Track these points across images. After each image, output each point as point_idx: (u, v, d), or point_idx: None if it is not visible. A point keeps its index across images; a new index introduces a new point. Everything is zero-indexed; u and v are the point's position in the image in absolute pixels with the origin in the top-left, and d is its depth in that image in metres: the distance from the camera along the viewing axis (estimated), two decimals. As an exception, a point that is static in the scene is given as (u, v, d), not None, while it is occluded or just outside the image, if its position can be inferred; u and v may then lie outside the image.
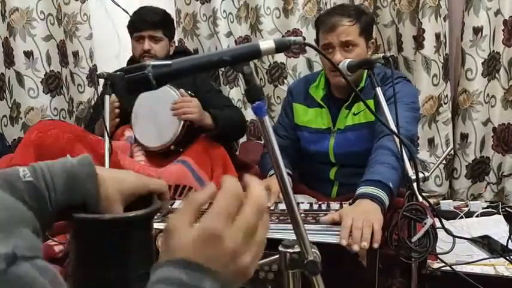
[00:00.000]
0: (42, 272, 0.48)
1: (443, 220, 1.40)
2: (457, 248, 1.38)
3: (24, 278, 0.46)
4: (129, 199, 0.76)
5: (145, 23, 2.14)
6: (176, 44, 2.38)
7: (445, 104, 2.26)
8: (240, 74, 0.80)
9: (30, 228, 0.54)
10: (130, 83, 0.77)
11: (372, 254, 1.27)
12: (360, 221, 1.23)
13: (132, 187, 0.75)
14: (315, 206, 1.51)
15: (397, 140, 1.37)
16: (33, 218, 0.58)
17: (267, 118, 0.81)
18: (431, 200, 2.18)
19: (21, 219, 0.52)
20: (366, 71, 1.73)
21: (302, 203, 1.55)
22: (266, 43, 0.81)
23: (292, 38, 0.82)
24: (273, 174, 1.73)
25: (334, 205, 1.50)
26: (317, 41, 1.83)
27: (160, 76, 0.77)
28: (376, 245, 1.23)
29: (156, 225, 1.35)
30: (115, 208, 0.73)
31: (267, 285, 1.28)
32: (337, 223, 1.29)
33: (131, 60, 2.29)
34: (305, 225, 0.87)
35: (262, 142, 2.38)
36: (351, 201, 1.42)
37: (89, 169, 0.71)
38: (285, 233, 1.26)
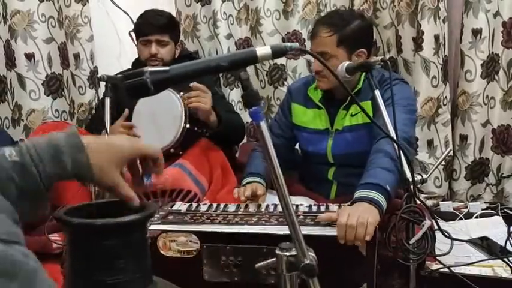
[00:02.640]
0: (23, 255, 0.48)
1: (440, 222, 1.41)
2: (455, 249, 1.39)
3: (2, 257, 0.46)
4: (124, 164, 0.74)
5: (152, 27, 2.15)
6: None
7: (445, 105, 2.26)
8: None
9: (9, 216, 0.53)
10: (129, 88, 0.78)
11: (370, 254, 1.28)
12: (354, 218, 1.25)
13: (126, 152, 0.74)
14: (314, 208, 1.52)
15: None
16: (10, 207, 0.57)
17: (263, 123, 0.82)
18: (431, 201, 2.20)
19: None
20: (364, 73, 1.75)
21: (301, 205, 1.56)
22: (263, 49, 0.83)
23: (289, 44, 0.83)
24: (247, 183, 1.76)
25: (333, 207, 1.51)
26: None
27: (158, 82, 0.78)
28: (368, 238, 1.25)
29: (156, 227, 1.38)
30: (111, 177, 0.72)
31: (269, 281, 1.29)
32: (334, 222, 1.31)
33: (137, 62, 2.30)
34: (303, 226, 0.88)
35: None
36: (349, 203, 1.43)
37: (73, 140, 0.69)
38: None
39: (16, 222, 0.54)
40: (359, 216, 1.25)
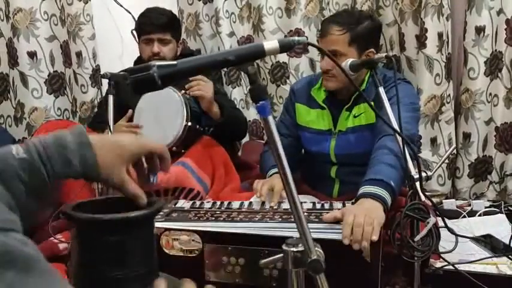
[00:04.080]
0: (21, 243, 0.48)
1: (445, 219, 1.40)
2: (459, 247, 1.38)
3: None
4: (130, 162, 0.75)
5: (154, 26, 2.14)
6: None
7: (448, 103, 2.26)
8: (244, 74, 0.81)
9: (4, 203, 0.53)
10: (135, 83, 0.78)
11: (375, 252, 1.27)
12: (361, 218, 1.24)
13: (132, 150, 0.74)
14: (318, 205, 1.52)
15: (399, 139, 1.38)
16: (5, 193, 0.57)
17: (271, 118, 0.82)
18: (434, 200, 2.19)
19: None
20: (368, 73, 1.74)
21: (305, 202, 1.55)
22: (270, 43, 0.82)
23: (296, 38, 0.83)
24: (273, 174, 1.74)
25: (337, 204, 1.50)
26: None
27: (165, 76, 0.77)
28: (374, 238, 1.23)
29: (160, 224, 1.38)
30: (118, 175, 0.72)
31: (271, 283, 1.28)
32: (339, 221, 1.30)
33: (139, 60, 2.30)
34: (308, 223, 0.87)
35: (265, 141, 2.40)
36: (353, 200, 1.42)
37: (80, 138, 0.69)
38: (288, 231, 1.27)
39: (11, 208, 0.54)
40: (366, 216, 1.24)
